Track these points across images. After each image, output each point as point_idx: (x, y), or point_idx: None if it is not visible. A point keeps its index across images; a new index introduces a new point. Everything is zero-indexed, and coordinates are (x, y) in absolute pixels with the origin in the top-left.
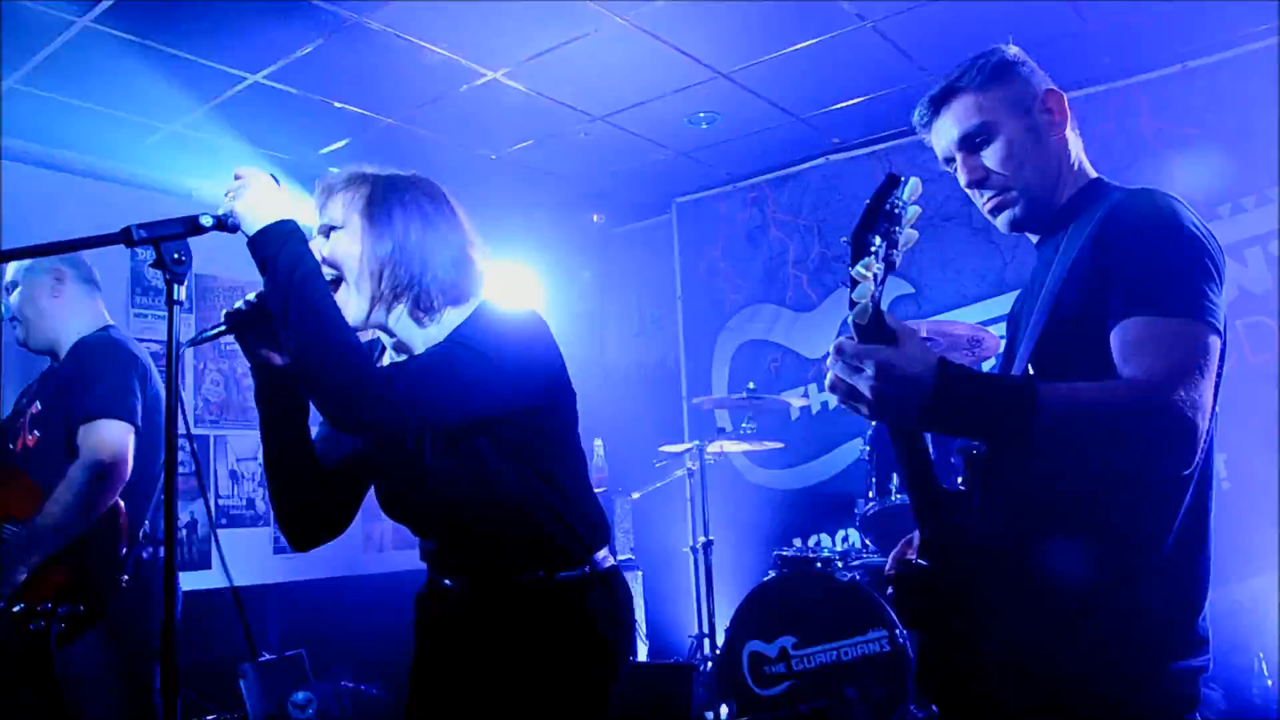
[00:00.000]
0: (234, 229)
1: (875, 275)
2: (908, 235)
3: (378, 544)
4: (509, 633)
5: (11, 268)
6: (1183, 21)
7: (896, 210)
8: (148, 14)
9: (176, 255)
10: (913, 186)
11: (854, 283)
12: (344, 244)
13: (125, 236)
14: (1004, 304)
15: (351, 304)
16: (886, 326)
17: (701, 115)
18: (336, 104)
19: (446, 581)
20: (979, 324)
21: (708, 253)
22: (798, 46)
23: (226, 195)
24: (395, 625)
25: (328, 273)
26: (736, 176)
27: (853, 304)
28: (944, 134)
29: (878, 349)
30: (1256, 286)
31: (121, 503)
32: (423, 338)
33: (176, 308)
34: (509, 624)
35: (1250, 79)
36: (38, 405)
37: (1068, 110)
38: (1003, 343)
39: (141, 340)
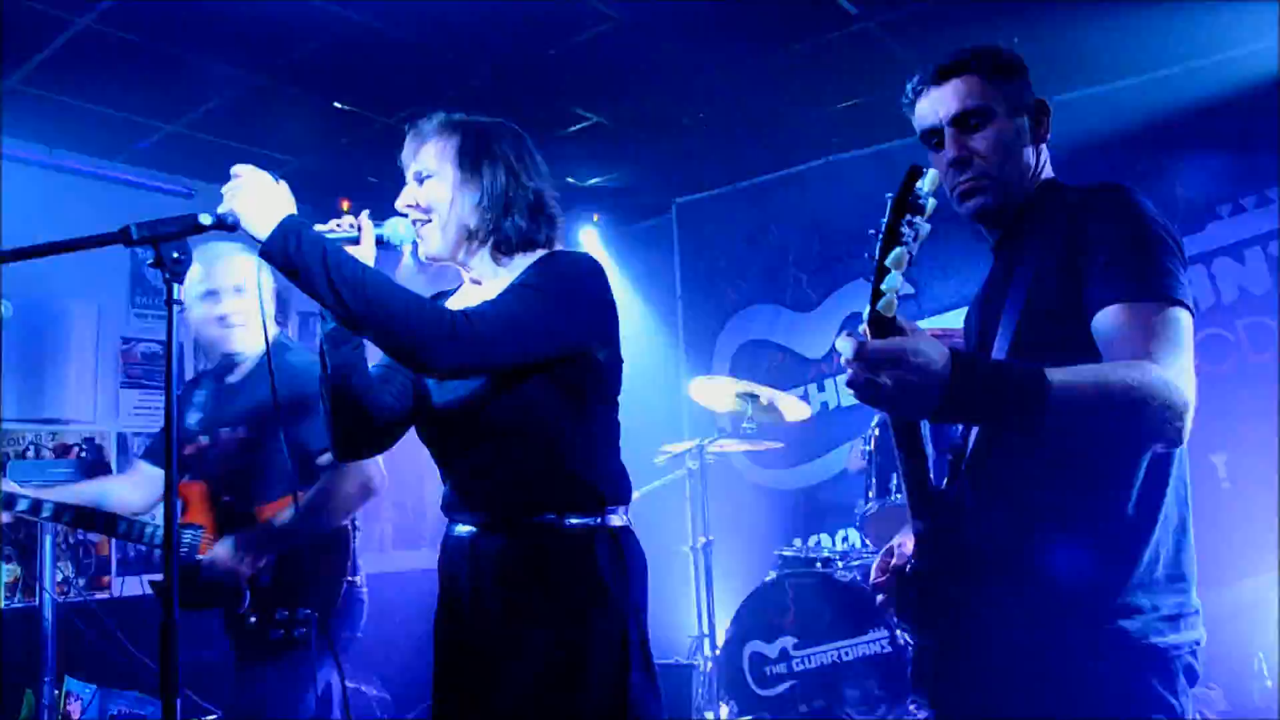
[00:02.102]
0: (233, 227)
1: (903, 268)
2: (923, 229)
3: (378, 544)
4: (515, 575)
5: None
6: (1183, 21)
7: (920, 202)
8: (147, 14)
9: (175, 254)
10: (932, 179)
11: (880, 275)
12: (437, 190)
13: (124, 236)
14: None
15: (436, 242)
16: (896, 322)
17: (701, 115)
18: (337, 104)
19: (461, 529)
20: None
21: (708, 253)
22: (797, 46)
23: (225, 194)
24: (395, 625)
25: (418, 216)
26: (736, 176)
27: (879, 296)
28: (940, 103)
29: (897, 341)
30: (1256, 287)
31: (350, 526)
32: (496, 275)
33: (176, 307)
34: (516, 566)
35: (1250, 79)
36: (243, 430)
37: (1049, 124)
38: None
39: (141, 340)
